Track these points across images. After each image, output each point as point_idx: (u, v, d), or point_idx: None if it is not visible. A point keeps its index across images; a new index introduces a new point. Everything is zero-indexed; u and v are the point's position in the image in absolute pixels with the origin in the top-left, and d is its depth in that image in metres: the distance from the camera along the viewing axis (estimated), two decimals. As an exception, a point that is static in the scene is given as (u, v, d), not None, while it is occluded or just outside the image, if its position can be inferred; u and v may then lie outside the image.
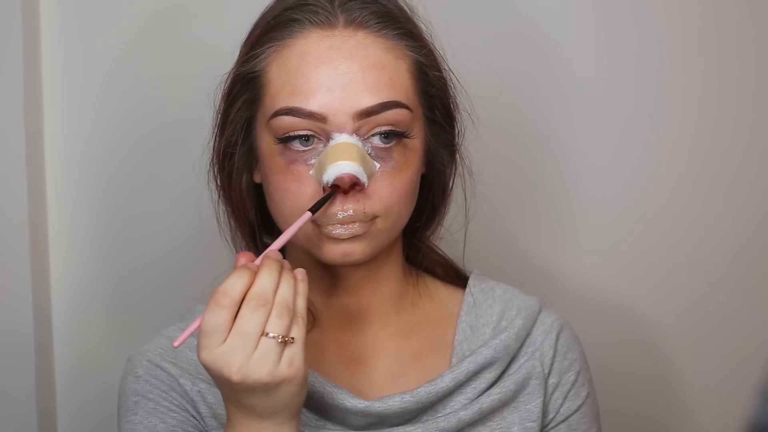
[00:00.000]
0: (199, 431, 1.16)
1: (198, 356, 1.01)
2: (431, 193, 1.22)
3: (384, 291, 1.22)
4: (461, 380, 1.18)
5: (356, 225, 1.11)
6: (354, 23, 1.13)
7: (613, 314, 1.59)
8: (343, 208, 1.10)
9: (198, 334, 1.02)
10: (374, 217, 1.12)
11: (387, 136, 1.12)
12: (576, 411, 1.22)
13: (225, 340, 1.00)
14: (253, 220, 1.21)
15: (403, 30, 1.14)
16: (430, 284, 1.27)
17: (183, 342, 1.02)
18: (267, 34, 1.14)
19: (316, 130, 1.11)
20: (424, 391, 1.17)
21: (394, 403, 1.16)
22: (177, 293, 1.51)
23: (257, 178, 1.19)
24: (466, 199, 1.25)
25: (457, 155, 1.21)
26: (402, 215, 1.15)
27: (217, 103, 1.20)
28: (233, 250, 1.22)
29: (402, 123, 1.12)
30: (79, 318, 1.54)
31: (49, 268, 1.52)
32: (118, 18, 1.51)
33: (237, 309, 1.01)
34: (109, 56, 1.51)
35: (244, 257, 1.05)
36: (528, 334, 1.22)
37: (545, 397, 1.20)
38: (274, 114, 1.12)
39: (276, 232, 1.17)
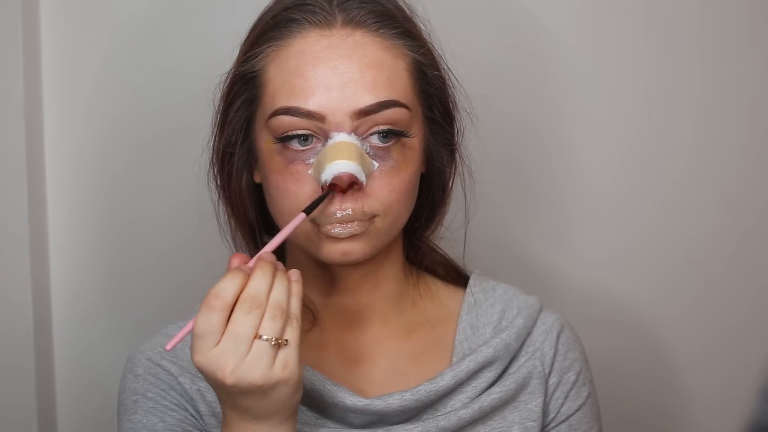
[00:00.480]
0: (198, 430, 1.16)
1: (191, 359, 1.01)
2: (431, 193, 1.22)
3: (384, 290, 1.22)
4: (462, 379, 1.18)
5: (355, 224, 1.11)
6: (352, 23, 1.13)
7: (613, 314, 1.58)
8: (341, 207, 1.10)
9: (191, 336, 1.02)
10: (373, 216, 1.12)
11: (385, 135, 1.12)
12: (577, 411, 1.22)
13: (218, 343, 0.99)
14: (253, 220, 1.21)
15: (402, 29, 1.14)
16: (431, 284, 1.27)
17: (175, 346, 1.02)
18: (265, 33, 1.15)
19: (314, 130, 1.11)
20: (424, 390, 1.17)
21: (394, 401, 1.16)
22: (177, 293, 1.51)
23: (257, 178, 1.19)
24: (465, 198, 1.25)
25: (457, 154, 1.21)
26: (401, 214, 1.15)
27: (217, 102, 1.20)
28: (233, 250, 1.22)
29: (400, 122, 1.12)
30: (79, 317, 1.54)
31: (49, 267, 1.52)
32: (118, 18, 1.51)
33: (230, 311, 1.00)
34: (109, 56, 1.51)
35: (237, 259, 1.04)
36: (528, 334, 1.22)
37: (546, 396, 1.20)
38: (272, 113, 1.12)
39: (276, 232, 1.16)
